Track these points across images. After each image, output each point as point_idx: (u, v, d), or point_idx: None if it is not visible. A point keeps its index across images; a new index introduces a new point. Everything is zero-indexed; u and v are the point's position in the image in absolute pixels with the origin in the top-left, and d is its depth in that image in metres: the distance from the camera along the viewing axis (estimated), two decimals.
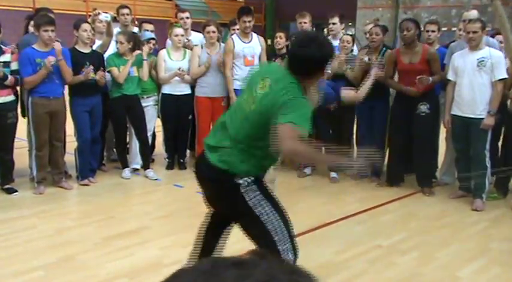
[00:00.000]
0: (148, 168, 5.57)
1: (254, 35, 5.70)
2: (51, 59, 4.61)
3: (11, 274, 3.22)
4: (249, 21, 5.52)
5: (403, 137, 5.09)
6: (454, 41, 5.42)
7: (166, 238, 3.86)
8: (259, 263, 0.57)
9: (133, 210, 4.57)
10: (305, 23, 5.99)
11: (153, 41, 5.72)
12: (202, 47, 5.67)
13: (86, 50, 5.07)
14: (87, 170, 5.23)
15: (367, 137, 5.57)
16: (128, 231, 3.98)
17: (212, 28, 5.54)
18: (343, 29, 6.24)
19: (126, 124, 5.47)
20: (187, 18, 6.00)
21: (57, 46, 4.72)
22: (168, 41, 5.84)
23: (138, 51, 5.30)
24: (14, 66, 4.70)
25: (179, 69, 5.50)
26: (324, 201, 4.89)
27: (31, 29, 5.30)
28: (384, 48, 5.39)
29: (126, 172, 5.51)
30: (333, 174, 5.60)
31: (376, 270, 3.40)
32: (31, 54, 4.67)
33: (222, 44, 5.78)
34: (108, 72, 5.22)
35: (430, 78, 4.80)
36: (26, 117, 5.01)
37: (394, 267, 3.45)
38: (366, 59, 5.22)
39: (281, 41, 5.84)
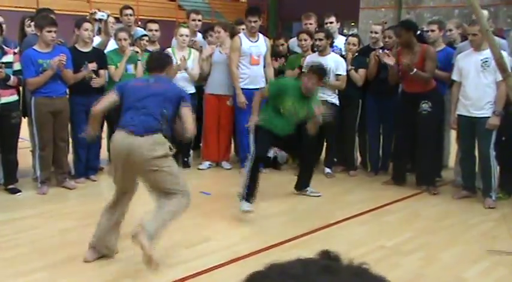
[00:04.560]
0: None
1: (261, 35, 5.76)
2: (60, 58, 4.62)
3: (13, 275, 3.21)
4: (255, 21, 5.56)
5: (408, 135, 5.11)
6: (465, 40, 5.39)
7: (170, 238, 3.84)
8: (341, 267, 0.59)
9: (136, 210, 4.55)
10: (310, 23, 6.01)
11: (146, 38, 5.75)
12: (216, 47, 5.84)
13: (86, 49, 5.08)
14: (82, 168, 5.25)
15: (375, 135, 5.62)
16: (131, 232, 3.96)
17: (218, 28, 5.80)
18: (338, 27, 6.28)
19: None
20: (199, 21, 6.10)
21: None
22: (174, 41, 5.89)
23: (131, 48, 5.33)
24: (17, 66, 4.70)
25: (182, 57, 5.50)
26: (326, 202, 4.87)
27: (27, 29, 5.29)
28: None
29: None
30: (327, 170, 5.75)
31: (379, 271, 3.37)
32: (33, 56, 4.67)
33: None
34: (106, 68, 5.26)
35: (414, 70, 4.82)
36: (28, 118, 5.01)
37: (397, 268, 3.43)
38: (385, 51, 5.27)
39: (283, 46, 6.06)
